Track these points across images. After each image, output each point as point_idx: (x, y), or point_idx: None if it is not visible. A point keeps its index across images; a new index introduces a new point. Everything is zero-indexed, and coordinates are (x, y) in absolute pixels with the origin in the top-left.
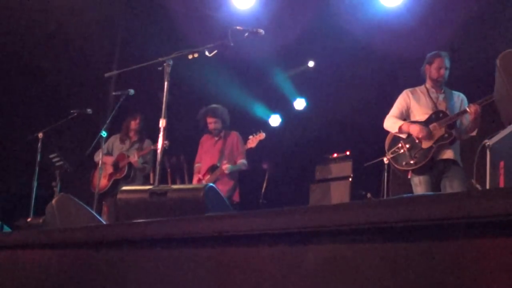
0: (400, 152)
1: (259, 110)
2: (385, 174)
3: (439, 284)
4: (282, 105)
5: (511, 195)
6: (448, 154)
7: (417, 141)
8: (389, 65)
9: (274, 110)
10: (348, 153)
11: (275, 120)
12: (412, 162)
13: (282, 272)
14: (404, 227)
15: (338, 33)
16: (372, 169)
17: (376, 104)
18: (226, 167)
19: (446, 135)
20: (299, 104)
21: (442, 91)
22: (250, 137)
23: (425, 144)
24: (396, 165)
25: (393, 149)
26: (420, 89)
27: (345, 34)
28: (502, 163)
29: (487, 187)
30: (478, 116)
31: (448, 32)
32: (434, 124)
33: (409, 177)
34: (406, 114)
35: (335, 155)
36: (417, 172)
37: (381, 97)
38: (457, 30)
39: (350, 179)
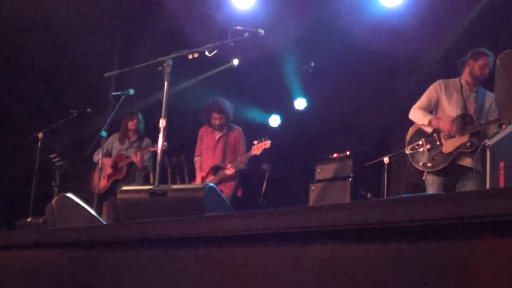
0: (420, 150)
1: (259, 110)
2: (385, 174)
3: (439, 284)
4: (282, 105)
5: (511, 195)
6: (467, 161)
7: (438, 143)
8: (389, 65)
9: (274, 110)
10: (348, 153)
11: (274, 121)
12: (429, 164)
13: (282, 272)
14: (404, 227)
15: (338, 33)
16: (372, 169)
17: (376, 104)
18: (231, 171)
19: (468, 143)
20: (300, 104)
21: (476, 90)
22: (255, 142)
23: (446, 149)
24: (413, 163)
25: (413, 145)
26: (454, 83)
27: (345, 34)
28: (502, 163)
29: (487, 187)
30: None
31: (448, 32)
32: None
33: (423, 178)
34: (434, 106)
35: (335, 155)
36: (433, 173)
37: (381, 97)
38: (457, 30)
39: (350, 179)
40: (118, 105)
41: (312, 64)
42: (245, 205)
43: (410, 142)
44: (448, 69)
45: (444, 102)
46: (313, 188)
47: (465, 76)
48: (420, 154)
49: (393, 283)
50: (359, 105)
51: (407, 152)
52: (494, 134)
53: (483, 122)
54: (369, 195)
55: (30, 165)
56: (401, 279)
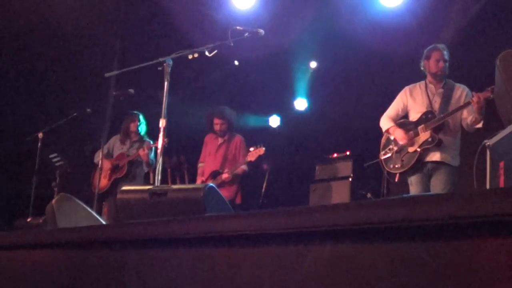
0: (390, 154)
1: (258, 111)
2: (385, 174)
3: (439, 284)
4: (282, 105)
5: (511, 195)
6: (436, 156)
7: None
8: (389, 65)
9: (274, 110)
10: (348, 153)
11: (274, 121)
12: (397, 166)
13: (282, 272)
14: (404, 227)
15: (338, 33)
16: (372, 169)
17: (376, 104)
18: (227, 176)
19: (430, 139)
20: (300, 104)
21: (442, 85)
22: (251, 149)
23: (411, 148)
24: (385, 167)
25: (385, 150)
26: (420, 85)
27: (345, 34)
28: (502, 163)
29: (487, 187)
30: (482, 106)
31: (448, 32)
32: (422, 125)
33: (396, 180)
34: (404, 112)
35: (335, 155)
36: (406, 174)
37: (381, 97)
38: (457, 30)
39: (350, 179)
40: (118, 105)
41: (315, 65)
42: (244, 206)
43: (383, 149)
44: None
45: (411, 106)
46: (313, 188)
47: (428, 77)
48: (391, 158)
49: (393, 283)
50: (359, 105)
51: (381, 158)
52: (495, 134)
53: (442, 115)
54: (369, 195)
55: (30, 165)
56: (401, 279)
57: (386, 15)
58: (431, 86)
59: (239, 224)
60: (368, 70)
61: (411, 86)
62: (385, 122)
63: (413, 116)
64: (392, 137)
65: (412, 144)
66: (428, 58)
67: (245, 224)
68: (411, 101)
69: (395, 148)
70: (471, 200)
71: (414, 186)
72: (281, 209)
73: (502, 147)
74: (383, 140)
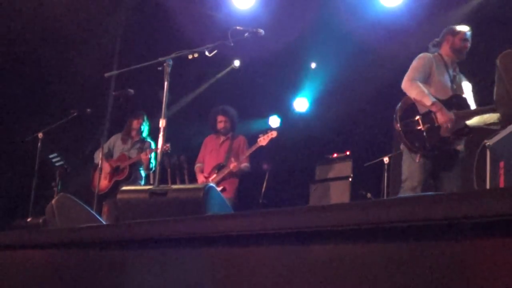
0: (416, 128)
1: (259, 112)
2: (385, 174)
3: (439, 284)
4: (282, 105)
5: (511, 195)
6: (460, 146)
7: (436, 124)
8: (389, 65)
9: (274, 110)
10: (348, 153)
11: (274, 121)
12: (428, 145)
13: (282, 272)
14: (404, 227)
15: (338, 33)
16: (372, 169)
17: (376, 104)
18: (235, 165)
19: (466, 129)
20: (300, 104)
21: (455, 68)
22: (260, 135)
23: (444, 132)
24: (407, 141)
25: (407, 120)
26: (438, 58)
27: (345, 34)
28: (502, 163)
29: (487, 187)
30: None
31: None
32: (455, 111)
33: (417, 160)
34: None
35: (335, 155)
36: (427, 156)
37: (381, 97)
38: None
39: (350, 179)
40: (118, 105)
41: (314, 65)
42: (244, 205)
43: (402, 118)
44: None
45: (435, 79)
46: (313, 188)
47: (446, 51)
48: (417, 133)
49: (393, 283)
50: (359, 105)
51: (399, 128)
52: (495, 134)
53: (474, 109)
54: (369, 195)
55: (30, 165)
56: (401, 279)
57: (386, 15)
58: (449, 64)
59: (239, 224)
60: (368, 70)
61: (431, 54)
62: (423, 91)
63: (437, 92)
64: (423, 109)
65: (445, 128)
66: (454, 34)
67: (245, 224)
68: (436, 73)
69: (426, 126)
70: (470, 200)
71: (419, 170)
72: (281, 209)
73: (502, 147)
74: (404, 106)
